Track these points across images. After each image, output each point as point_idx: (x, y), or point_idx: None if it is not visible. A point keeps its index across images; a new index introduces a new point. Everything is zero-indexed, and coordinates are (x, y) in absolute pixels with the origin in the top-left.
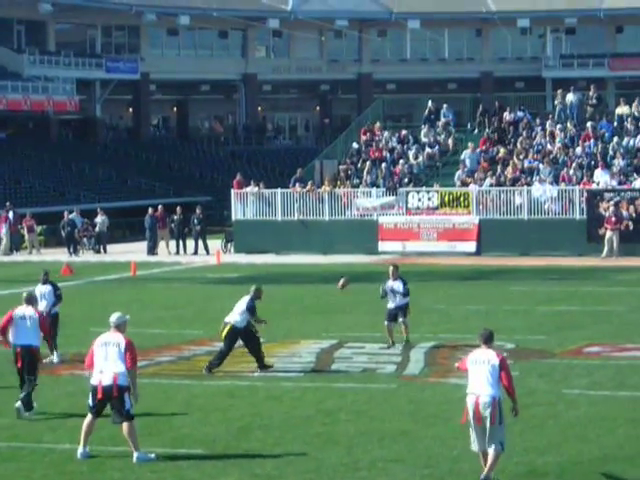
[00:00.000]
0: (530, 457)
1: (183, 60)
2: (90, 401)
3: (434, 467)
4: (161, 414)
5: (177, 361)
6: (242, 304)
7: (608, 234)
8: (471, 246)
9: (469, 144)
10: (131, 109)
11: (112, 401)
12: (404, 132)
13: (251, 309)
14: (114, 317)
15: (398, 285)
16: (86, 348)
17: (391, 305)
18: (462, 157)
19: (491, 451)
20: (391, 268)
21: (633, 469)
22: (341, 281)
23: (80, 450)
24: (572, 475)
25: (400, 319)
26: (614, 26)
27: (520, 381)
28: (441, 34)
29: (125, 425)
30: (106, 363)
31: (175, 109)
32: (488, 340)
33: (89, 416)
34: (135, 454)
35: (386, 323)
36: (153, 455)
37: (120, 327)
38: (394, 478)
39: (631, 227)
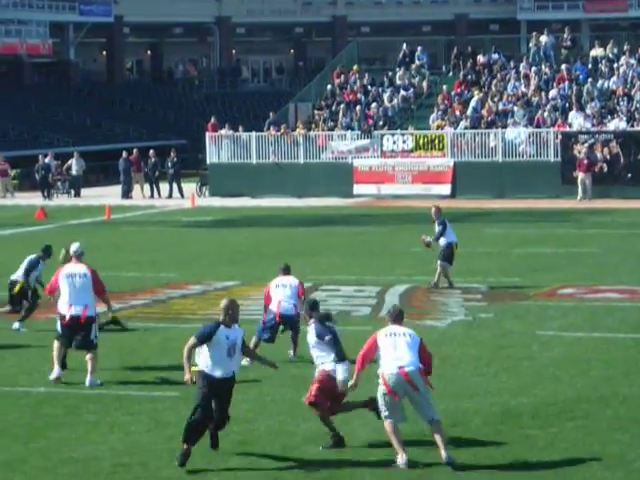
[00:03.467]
0: (504, 398)
1: (157, 3)
2: (59, 328)
3: (406, 409)
4: (137, 357)
5: (152, 304)
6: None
7: (581, 177)
8: (446, 189)
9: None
10: (105, 52)
11: (79, 330)
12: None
13: None
14: (74, 247)
15: (436, 227)
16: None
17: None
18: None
19: (436, 423)
20: (433, 209)
21: (607, 409)
22: (426, 240)
23: (56, 369)
24: (546, 416)
25: (438, 261)
26: None
27: (495, 323)
28: None
29: (89, 353)
30: (75, 295)
31: (149, 52)
32: (398, 319)
33: (56, 342)
34: (89, 378)
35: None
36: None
37: (80, 257)
38: (369, 419)
39: (605, 169)
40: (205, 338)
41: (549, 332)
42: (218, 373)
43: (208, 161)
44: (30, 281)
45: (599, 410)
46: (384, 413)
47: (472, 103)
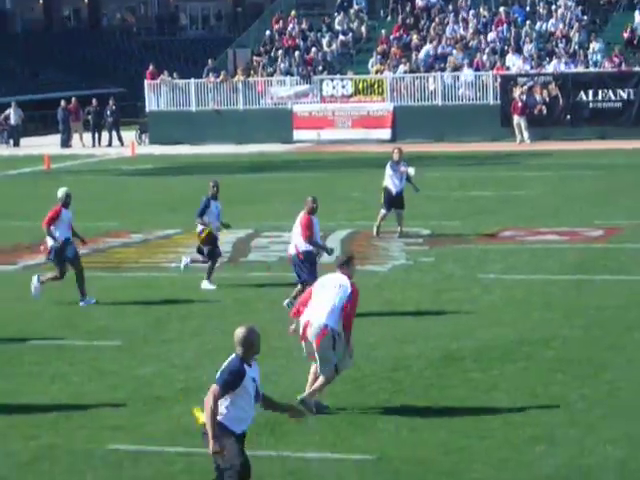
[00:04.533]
0: (446, 342)
1: None
2: None
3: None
4: (78, 307)
5: (92, 254)
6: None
7: (516, 119)
8: (386, 133)
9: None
10: (42, 1)
11: None
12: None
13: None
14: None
15: (404, 166)
16: (5, 242)
17: (393, 190)
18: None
19: (320, 376)
20: (396, 151)
21: (548, 351)
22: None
23: None
24: (488, 359)
25: (399, 210)
26: None
27: (436, 267)
28: None
29: None
30: None
31: (86, 0)
32: (343, 266)
33: None
34: None
35: (383, 211)
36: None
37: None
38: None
39: (544, 112)
40: (234, 387)
41: (490, 275)
42: (243, 427)
43: (147, 109)
44: (208, 222)
45: (540, 352)
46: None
47: (425, 48)
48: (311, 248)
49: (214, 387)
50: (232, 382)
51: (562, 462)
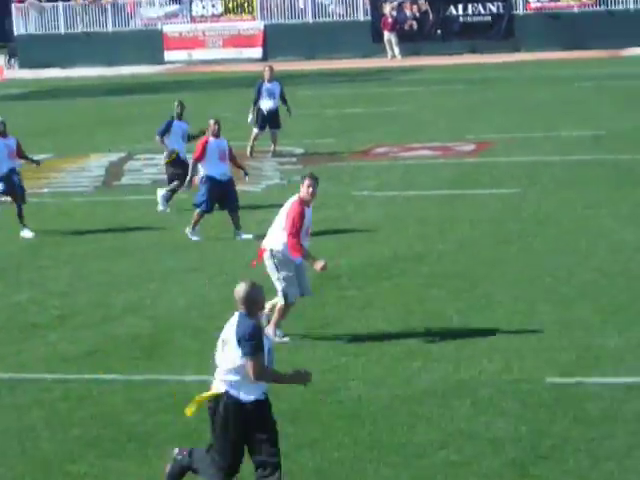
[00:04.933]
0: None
1: None
2: None
3: (228, 274)
4: None
5: None
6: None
7: (386, 35)
8: (257, 52)
9: None
10: None
11: None
12: None
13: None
14: None
15: (275, 86)
16: None
17: (265, 108)
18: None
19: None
20: (267, 69)
21: (422, 267)
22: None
23: None
24: (363, 276)
25: (274, 129)
26: None
27: None
28: None
29: None
30: None
31: None
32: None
33: None
34: None
35: (256, 131)
36: None
37: None
38: (188, 286)
39: (415, 27)
40: (263, 348)
41: (364, 192)
42: (255, 395)
43: (15, 32)
44: (168, 145)
45: (415, 268)
46: None
47: None
48: (206, 172)
49: (250, 363)
50: (261, 344)
51: (438, 377)
